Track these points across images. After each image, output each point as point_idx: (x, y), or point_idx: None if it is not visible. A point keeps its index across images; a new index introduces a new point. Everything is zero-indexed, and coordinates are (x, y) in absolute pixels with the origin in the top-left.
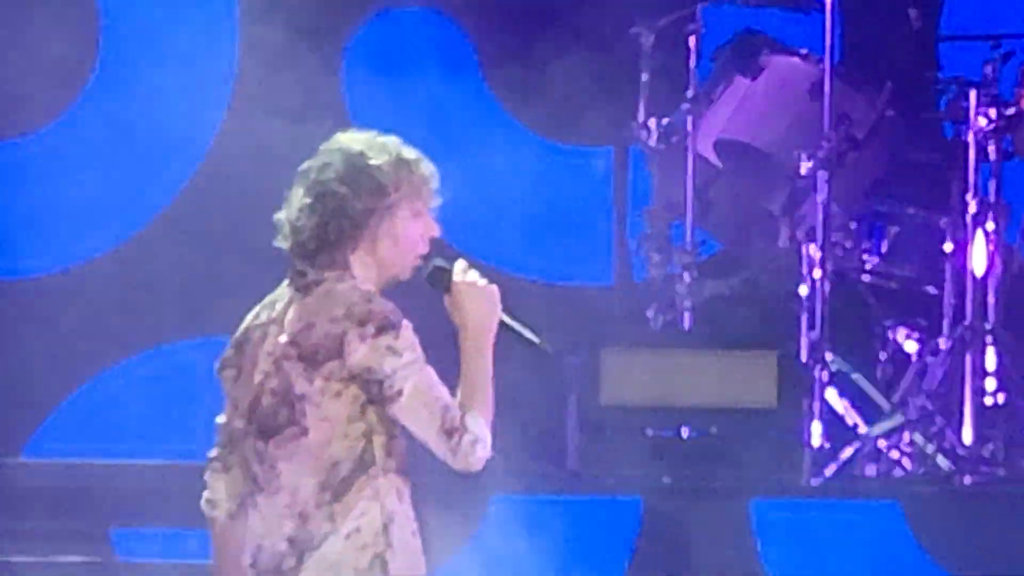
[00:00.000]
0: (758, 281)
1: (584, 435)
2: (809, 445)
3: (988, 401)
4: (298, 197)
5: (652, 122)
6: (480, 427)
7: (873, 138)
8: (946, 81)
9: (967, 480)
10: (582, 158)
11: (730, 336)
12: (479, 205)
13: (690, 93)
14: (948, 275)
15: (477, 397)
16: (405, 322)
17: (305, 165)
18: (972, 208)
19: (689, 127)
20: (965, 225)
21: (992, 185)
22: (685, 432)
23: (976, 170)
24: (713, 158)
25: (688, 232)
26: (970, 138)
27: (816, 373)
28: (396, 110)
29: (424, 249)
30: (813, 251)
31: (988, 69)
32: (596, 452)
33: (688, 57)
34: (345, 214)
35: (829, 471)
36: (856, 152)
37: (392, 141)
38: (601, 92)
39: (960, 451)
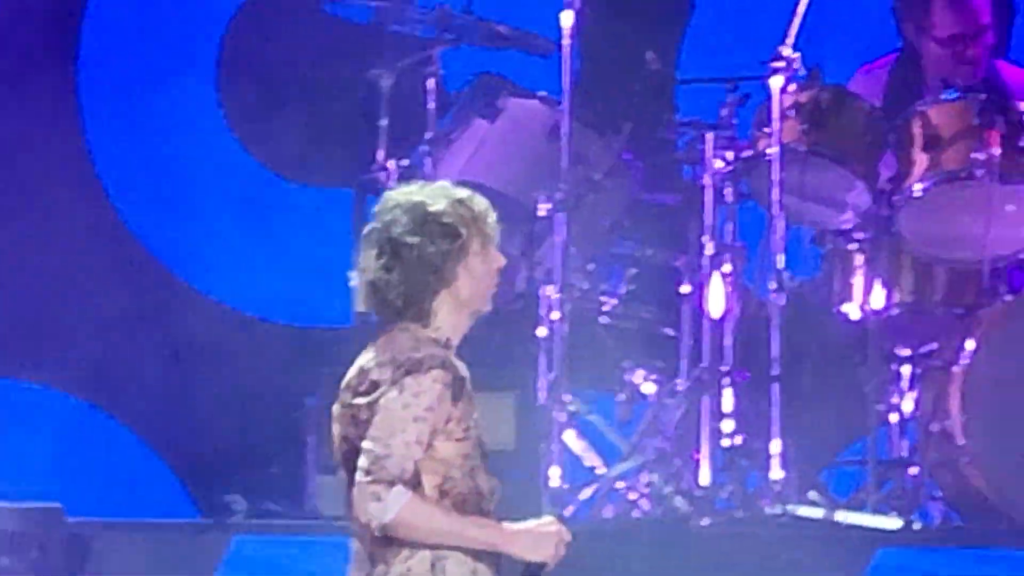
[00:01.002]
0: (497, 322)
1: (323, 476)
2: (548, 486)
3: (725, 443)
4: (372, 258)
5: (391, 164)
6: (394, 502)
7: (611, 180)
8: (683, 123)
9: (704, 522)
10: (323, 200)
11: (471, 376)
12: (220, 246)
13: (429, 135)
14: (685, 317)
15: (447, 531)
16: (437, 372)
17: (369, 227)
18: (709, 250)
19: (428, 169)
20: (702, 267)
21: (729, 227)
22: None
23: (713, 212)
24: None
25: None
26: (707, 180)
27: (554, 414)
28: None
29: (496, 279)
30: (551, 292)
31: (724, 112)
32: (334, 493)
33: (427, 100)
34: (425, 262)
35: (568, 512)
36: (594, 194)
37: (442, 185)
38: (341, 134)
39: (697, 492)
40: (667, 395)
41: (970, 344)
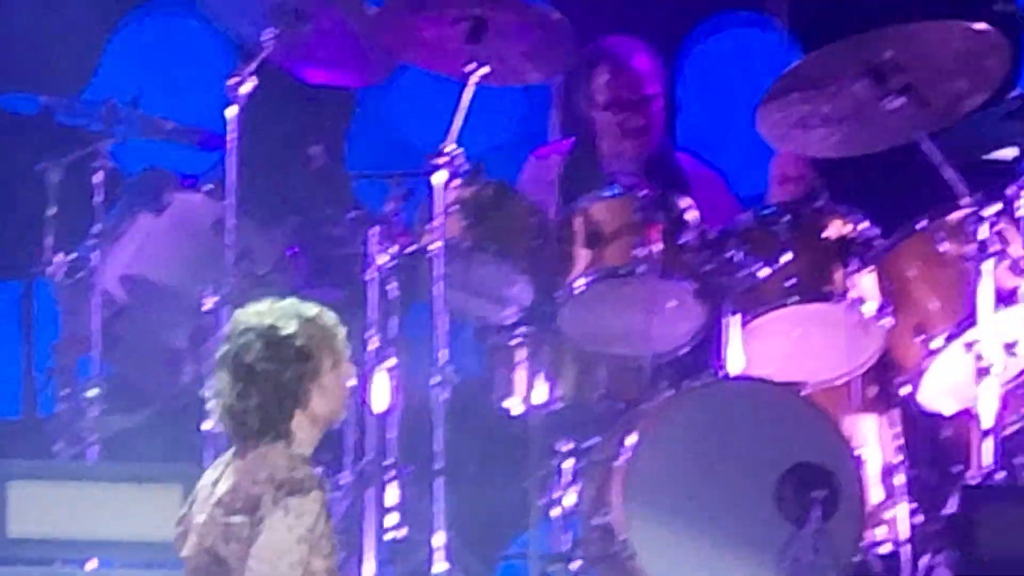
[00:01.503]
0: (164, 415)
1: None
2: None
3: (389, 536)
4: (228, 383)
5: (59, 256)
6: None
7: (276, 274)
8: (349, 219)
9: None
10: None
11: (137, 469)
12: None
13: (96, 228)
14: (350, 411)
15: None
16: (316, 492)
17: (223, 349)
18: (373, 345)
19: (95, 262)
20: (366, 362)
21: (393, 322)
22: (91, 565)
23: (377, 307)
24: (119, 293)
25: (96, 366)
26: (371, 275)
27: None
28: None
29: (348, 393)
30: None
31: (389, 207)
32: None
33: (95, 193)
34: (281, 388)
35: None
36: (259, 288)
37: (291, 303)
38: (9, 226)
39: None
40: (332, 489)
41: (631, 439)
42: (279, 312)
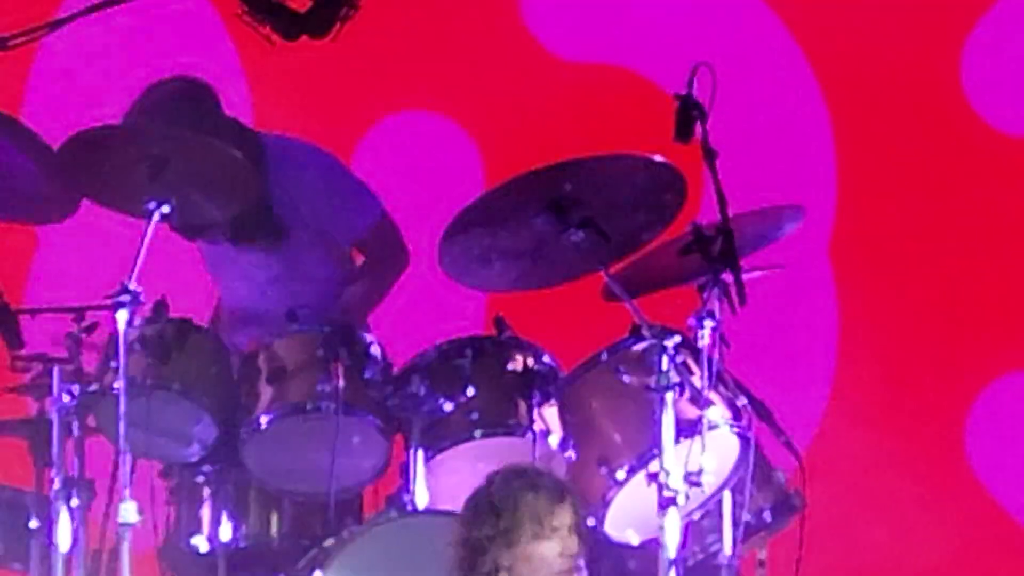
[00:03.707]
0: None
1: None
2: None
3: None
4: None
5: None
6: None
7: None
8: (29, 357)
9: None
10: None
11: None
12: None
13: None
14: (34, 552)
15: None
16: None
17: None
18: (57, 484)
19: None
20: (51, 501)
21: (76, 461)
22: None
23: (60, 446)
24: None
25: None
26: (54, 415)
27: None
28: None
29: None
30: None
31: (70, 344)
32: None
33: None
34: None
35: None
36: None
37: None
38: None
39: None
40: None
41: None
42: None
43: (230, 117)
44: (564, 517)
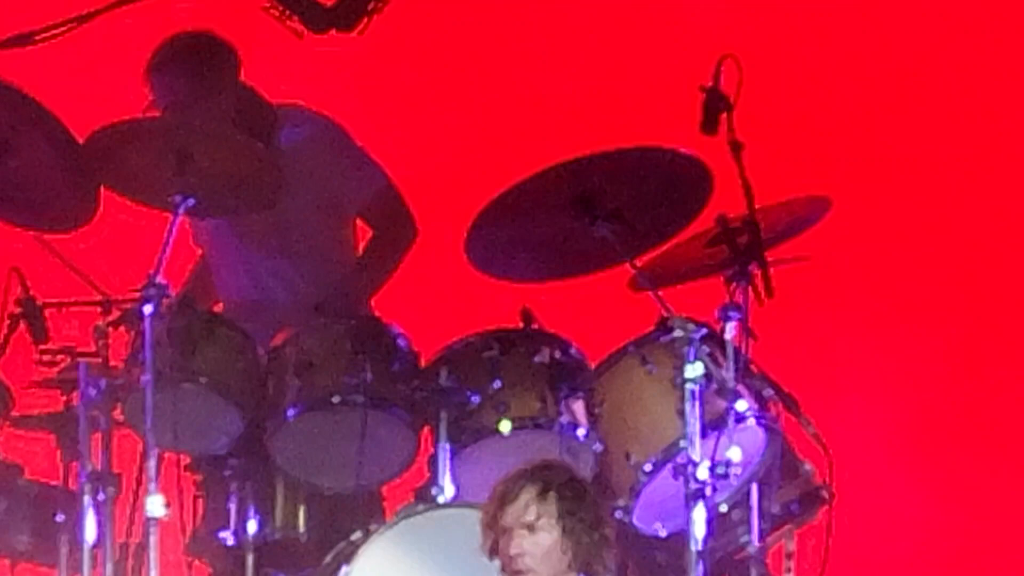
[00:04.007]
0: None
1: None
2: None
3: None
4: None
5: None
6: None
7: None
8: (56, 351)
9: None
10: None
11: None
12: None
13: None
14: (62, 547)
15: None
16: None
17: None
18: (83, 478)
19: None
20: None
21: (103, 456)
22: None
23: (87, 440)
24: None
25: None
26: (81, 409)
27: None
28: None
29: None
30: None
31: (97, 337)
32: None
33: None
34: None
35: None
36: None
37: None
38: None
39: None
40: None
41: (345, 571)
42: None
43: (247, 84)
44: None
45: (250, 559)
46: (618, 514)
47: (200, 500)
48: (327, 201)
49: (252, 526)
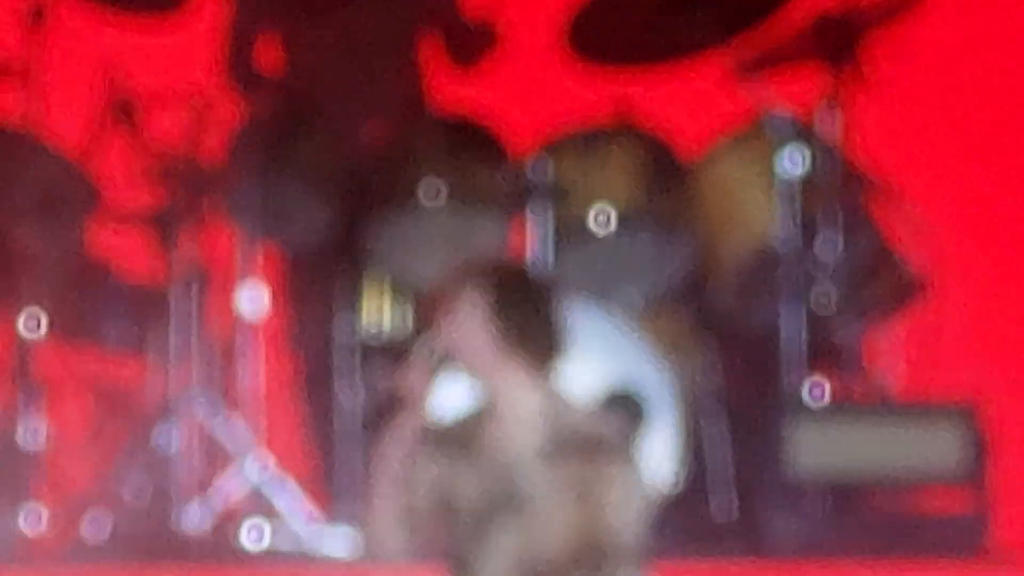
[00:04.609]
0: None
1: None
2: None
3: None
4: None
5: None
6: None
7: None
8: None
9: None
10: None
11: None
12: None
13: None
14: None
15: None
16: None
17: None
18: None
19: None
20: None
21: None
22: None
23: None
24: None
25: None
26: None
27: None
28: None
29: None
30: None
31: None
32: None
33: None
34: None
35: None
36: None
37: None
38: None
39: None
40: None
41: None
42: None
43: None
44: None
45: (358, 356)
46: (718, 302)
47: (298, 298)
48: None
49: (355, 323)
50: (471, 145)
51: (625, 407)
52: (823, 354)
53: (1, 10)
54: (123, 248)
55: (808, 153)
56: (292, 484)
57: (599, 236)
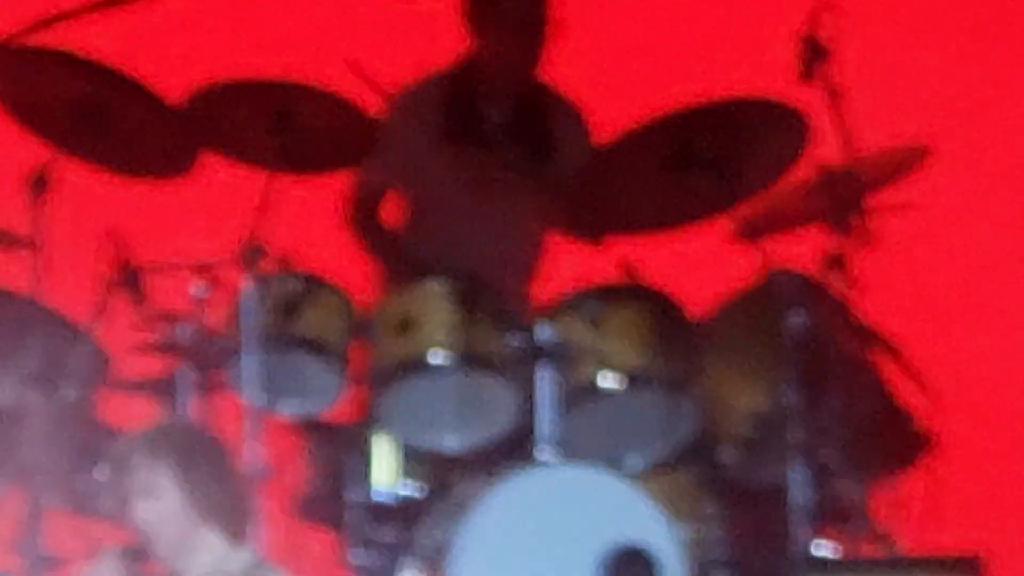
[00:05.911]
0: None
1: None
2: None
3: None
4: None
5: None
6: None
7: None
8: (155, 315)
9: None
10: None
11: None
12: None
13: None
14: None
15: None
16: None
17: None
18: None
19: None
20: None
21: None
22: None
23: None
24: None
25: None
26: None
27: None
28: None
29: None
30: None
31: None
32: None
33: None
34: None
35: None
36: None
37: None
38: None
39: None
40: None
41: (452, 528)
42: None
43: None
44: None
45: (366, 518)
46: (726, 461)
47: (308, 462)
48: None
49: (363, 487)
50: (481, 308)
51: (636, 565)
52: (830, 511)
53: (5, 178)
54: (132, 414)
55: (814, 311)
56: None
57: (607, 396)
